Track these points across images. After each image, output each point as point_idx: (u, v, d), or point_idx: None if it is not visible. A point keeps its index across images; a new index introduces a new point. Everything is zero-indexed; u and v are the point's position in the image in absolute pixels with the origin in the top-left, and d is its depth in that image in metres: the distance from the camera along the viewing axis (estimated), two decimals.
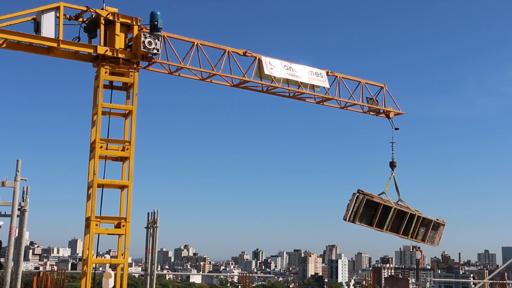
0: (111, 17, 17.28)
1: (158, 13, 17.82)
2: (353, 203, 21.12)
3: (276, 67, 20.37)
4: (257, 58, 20.19)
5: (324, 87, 21.67)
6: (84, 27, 17.24)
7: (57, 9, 16.56)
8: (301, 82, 21.10)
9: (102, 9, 17.21)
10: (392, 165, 23.24)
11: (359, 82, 22.72)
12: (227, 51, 19.44)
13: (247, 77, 19.91)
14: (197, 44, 18.83)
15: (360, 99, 22.80)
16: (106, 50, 17.08)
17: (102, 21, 17.16)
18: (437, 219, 24.01)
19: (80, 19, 17.17)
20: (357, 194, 21.27)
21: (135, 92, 17.50)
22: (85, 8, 17.04)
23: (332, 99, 22.25)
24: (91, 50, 17.16)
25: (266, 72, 20.15)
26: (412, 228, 22.86)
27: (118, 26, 17.39)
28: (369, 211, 21.77)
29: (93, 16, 17.12)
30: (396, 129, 23.47)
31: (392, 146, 23.25)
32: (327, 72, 21.84)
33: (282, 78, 20.59)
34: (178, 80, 18.58)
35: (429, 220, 23.46)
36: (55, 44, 16.49)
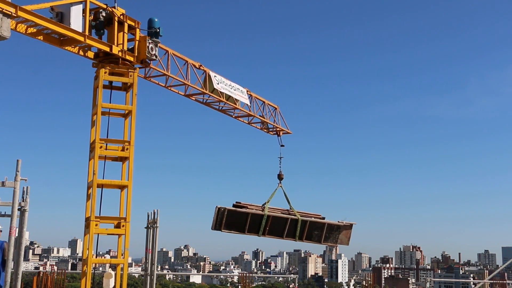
0: (122, 18, 17.22)
1: (156, 20, 17.89)
2: (216, 215, 22.33)
3: (220, 82, 21.43)
4: (207, 72, 20.92)
5: (246, 104, 23.11)
6: (95, 24, 17.03)
7: (83, 2, 16.08)
8: (234, 98, 22.16)
9: (114, 8, 17.13)
10: (280, 177, 24.93)
11: (263, 102, 24.58)
12: (188, 62, 19.98)
13: (200, 89, 20.71)
14: (170, 52, 19.13)
15: (267, 117, 24.84)
16: (119, 51, 17.04)
17: (116, 20, 17.07)
18: (339, 221, 25.44)
19: (90, 16, 16.89)
20: (219, 207, 22.44)
21: (134, 92, 17.45)
22: (105, 6, 16.84)
23: (247, 116, 23.73)
24: (107, 49, 16.95)
25: (215, 86, 21.06)
26: (298, 232, 24.39)
27: (126, 27, 17.34)
28: (238, 220, 22.96)
29: (104, 14, 16.94)
30: (282, 146, 25.58)
31: (280, 160, 25.16)
32: (247, 91, 23.35)
33: (224, 93, 21.59)
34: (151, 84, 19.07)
35: (322, 224, 25.06)
36: (82, 38, 16.06)
